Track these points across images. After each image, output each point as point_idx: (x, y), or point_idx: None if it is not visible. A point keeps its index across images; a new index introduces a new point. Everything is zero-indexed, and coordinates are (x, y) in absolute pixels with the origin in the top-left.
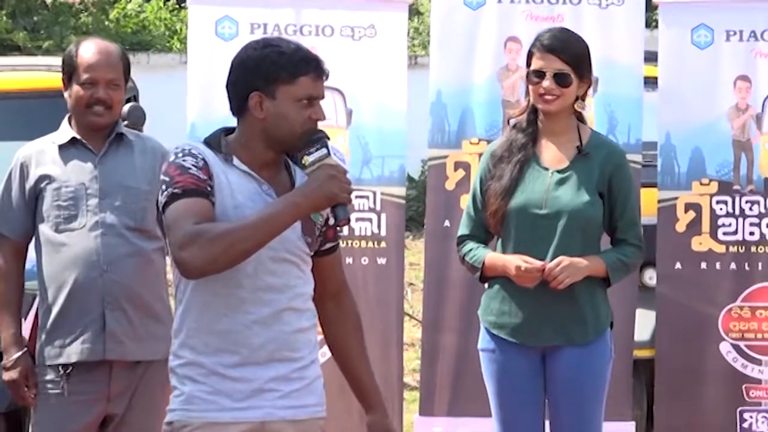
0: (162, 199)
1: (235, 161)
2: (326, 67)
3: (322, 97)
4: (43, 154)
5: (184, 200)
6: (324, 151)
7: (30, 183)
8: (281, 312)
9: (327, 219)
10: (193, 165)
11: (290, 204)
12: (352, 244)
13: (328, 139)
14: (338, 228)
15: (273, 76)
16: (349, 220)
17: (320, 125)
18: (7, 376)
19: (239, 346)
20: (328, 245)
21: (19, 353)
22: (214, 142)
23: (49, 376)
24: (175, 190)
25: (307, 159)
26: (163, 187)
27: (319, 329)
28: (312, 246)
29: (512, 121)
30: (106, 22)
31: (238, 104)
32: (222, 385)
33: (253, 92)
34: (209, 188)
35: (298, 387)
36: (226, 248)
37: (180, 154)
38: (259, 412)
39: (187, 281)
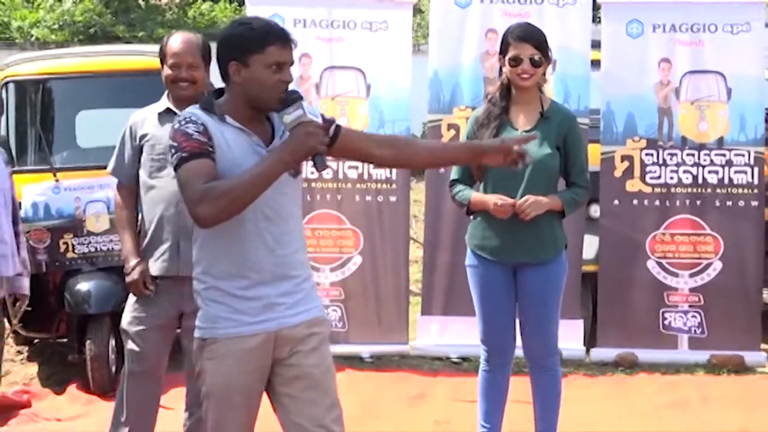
0: (172, 161)
1: (228, 119)
2: (293, 37)
3: (291, 63)
4: (146, 119)
5: (191, 162)
6: (300, 111)
7: (136, 141)
8: (279, 238)
9: None
10: (195, 131)
11: (277, 161)
12: (370, 186)
13: (303, 99)
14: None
15: (245, 47)
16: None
17: (347, 96)
18: (129, 278)
19: (248, 271)
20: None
21: (136, 261)
22: (208, 105)
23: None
24: (183, 154)
25: (287, 118)
26: (173, 151)
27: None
28: (297, 171)
29: (489, 95)
30: (186, 19)
31: (222, 73)
32: (239, 305)
33: (231, 62)
34: (210, 148)
35: (300, 297)
36: (230, 202)
37: (183, 122)
38: (273, 323)
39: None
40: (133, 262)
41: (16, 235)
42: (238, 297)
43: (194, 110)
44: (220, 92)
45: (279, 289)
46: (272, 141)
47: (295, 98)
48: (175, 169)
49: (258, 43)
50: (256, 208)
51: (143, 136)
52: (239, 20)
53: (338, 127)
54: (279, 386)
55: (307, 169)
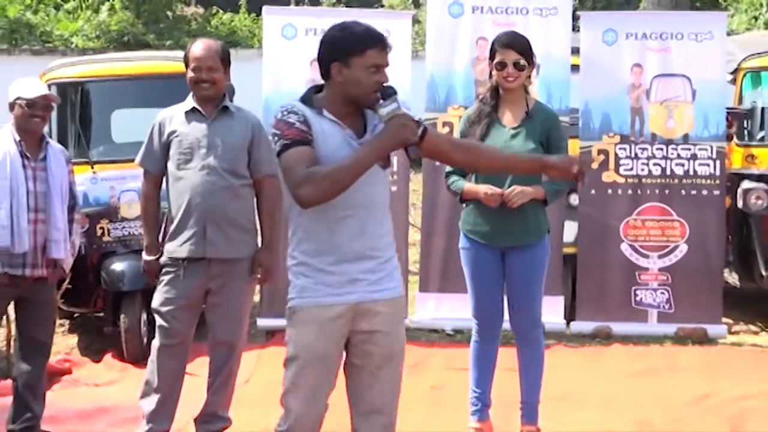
0: (276, 148)
1: (325, 113)
2: (390, 42)
3: (387, 65)
4: (173, 117)
5: (293, 149)
6: (395, 104)
7: (164, 136)
8: (366, 221)
9: None
10: (297, 120)
11: (374, 149)
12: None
13: (397, 94)
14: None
15: (347, 50)
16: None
17: None
18: (147, 266)
19: (335, 249)
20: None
21: (153, 258)
22: (307, 99)
23: (172, 264)
24: (286, 141)
25: (382, 111)
26: (275, 138)
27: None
28: (387, 164)
29: (480, 96)
30: (209, 28)
31: (324, 72)
32: (324, 278)
33: (333, 63)
34: (310, 137)
35: (381, 276)
36: (330, 186)
37: (285, 113)
38: (354, 296)
39: (295, 205)
40: (149, 258)
41: (70, 222)
42: (325, 272)
43: (295, 102)
44: (319, 88)
45: (362, 266)
46: (364, 135)
47: (390, 93)
48: (278, 155)
49: (359, 47)
50: (349, 197)
51: (171, 133)
52: (342, 25)
53: (425, 128)
54: (353, 357)
55: None
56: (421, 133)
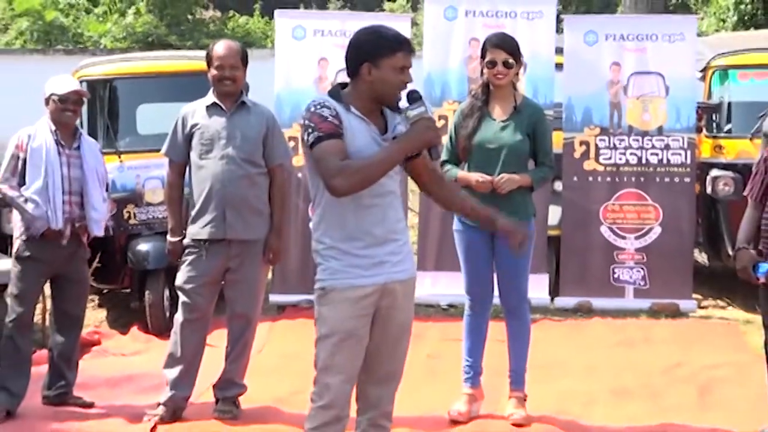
0: (309, 139)
1: (353, 109)
2: (413, 45)
3: (410, 66)
4: (195, 111)
5: (326, 141)
6: (423, 108)
7: (187, 128)
8: (387, 209)
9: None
10: (329, 114)
11: (402, 148)
12: None
13: (422, 98)
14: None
15: (377, 52)
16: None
17: None
18: (171, 247)
19: (363, 234)
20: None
21: (177, 239)
22: (335, 94)
23: (195, 245)
24: (320, 134)
25: (410, 113)
26: (309, 130)
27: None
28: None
29: (472, 91)
30: (226, 30)
31: (353, 71)
32: (354, 261)
33: (363, 63)
34: (341, 131)
35: (401, 258)
36: (362, 179)
37: (318, 106)
38: (381, 277)
39: (323, 193)
40: (174, 239)
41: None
42: (354, 255)
43: (326, 97)
44: (343, 86)
45: (386, 249)
46: (386, 132)
47: (417, 97)
48: (311, 146)
49: (389, 50)
50: (375, 188)
51: (194, 125)
52: (372, 28)
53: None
54: (374, 330)
55: None
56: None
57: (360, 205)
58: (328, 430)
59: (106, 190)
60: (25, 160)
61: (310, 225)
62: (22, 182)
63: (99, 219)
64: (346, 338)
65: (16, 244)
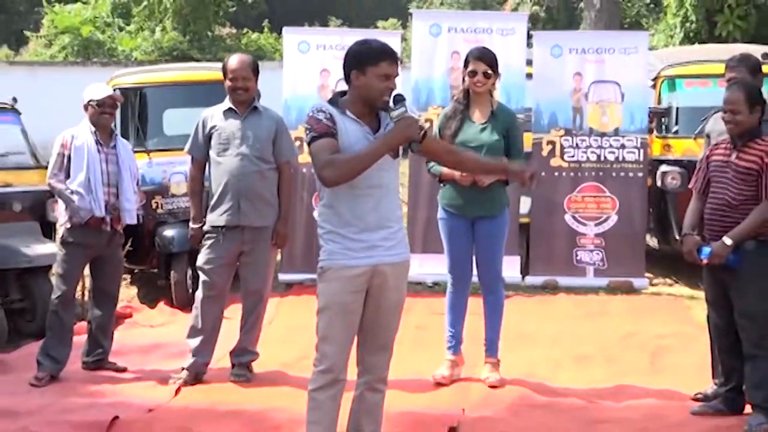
0: (306, 138)
1: (348, 113)
2: (399, 56)
3: (396, 75)
4: (214, 114)
5: (320, 140)
6: (404, 108)
7: (207, 129)
8: (381, 199)
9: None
10: (323, 117)
11: (385, 143)
12: None
13: (405, 100)
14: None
15: (364, 60)
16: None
17: None
18: (193, 233)
19: (359, 221)
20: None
21: (198, 226)
22: (334, 101)
23: (213, 231)
24: (314, 134)
25: (394, 113)
26: (307, 131)
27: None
28: (396, 154)
29: (455, 97)
30: (240, 45)
31: (346, 77)
32: (349, 244)
33: (353, 70)
34: (334, 131)
35: (393, 243)
36: (349, 170)
37: (315, 111)
38: (372, 259)
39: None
40: (195, 226)
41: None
42: (349, 239)
43: (324, 103)
44: (344, 93)
45: (379, 235)
46: (378, 131)
47: (400, 99)
48: (309, 144)
49: (373, 59)
50: (367, 179)
51: (212, 127)
52: (362, 41)
53: (425, 132)
54: (369, 306)
55: None
56: (423, 134)
57: (355, 195)
58: (327, 391)
59: (137, 184)
60: (69, 157)
61: (314, 214)
62: (67, 176)
63: (131, 209)
64: (340, 311)
65: (61, 230)
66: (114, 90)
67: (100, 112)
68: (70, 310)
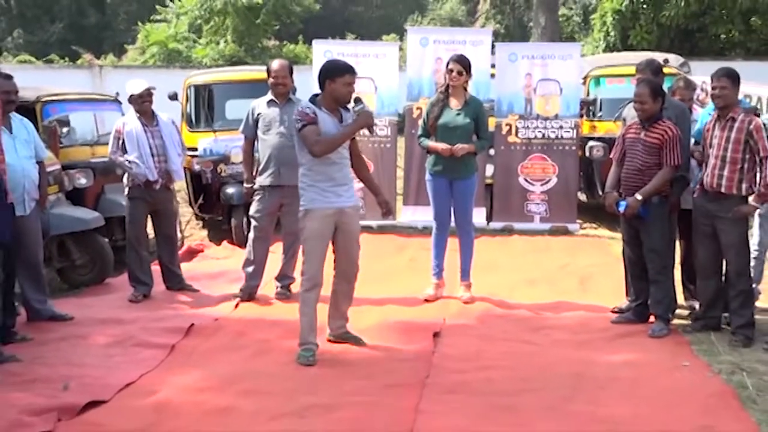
0: (298, 126)
1: (323, 109)
2: (356, 70)
3: (354, 83)
4: (260, 104)
5: (309, 126)
6: (362, 105)
7: (254, 115)
8: (343, 166)
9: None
10: (310, 111)
11: (352, 129)
12: (377, 140)
13: (362, 100)
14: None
15: (334, 73)
16: (374, 133)
17: (364, 93)
18: (246, 190)
19: (329, 179)
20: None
21: (249, 186)
22: (313, 100)
23: (261, 189)
24: (305, 122)
25: (356, 108)
26: (298, 120)
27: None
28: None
29: (438, 90)
30: (281, 53)
31: (321, 85)
32: (323, 194)
33: (326, 79)
34: (316, 121)
35: (350, 194)
36: (329, 146)
37: (304, 107)
38: (338, 204)
39: (305, 156)
40: (248, 185)
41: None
42: (323, 190)
43: (308, 103)
44: (318, 95)
45: (342, 188)
46: (342, 121)
47: (357, 100)
48: (299, 130)
49: (340, 72)
50: (337, 153)
51: (259, 113)
52: (332, 60)
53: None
54: (338, 235)
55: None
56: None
57: (328, 162)
58: (311, 292)
59: (182, 148)
60: (123, 140)
61: None
62: (124, 152)
63: (177, 170)
64: (319, 237)
65: (126, 190)
66: (189, 87)
67: (141, 101)
68: (143, 246)
